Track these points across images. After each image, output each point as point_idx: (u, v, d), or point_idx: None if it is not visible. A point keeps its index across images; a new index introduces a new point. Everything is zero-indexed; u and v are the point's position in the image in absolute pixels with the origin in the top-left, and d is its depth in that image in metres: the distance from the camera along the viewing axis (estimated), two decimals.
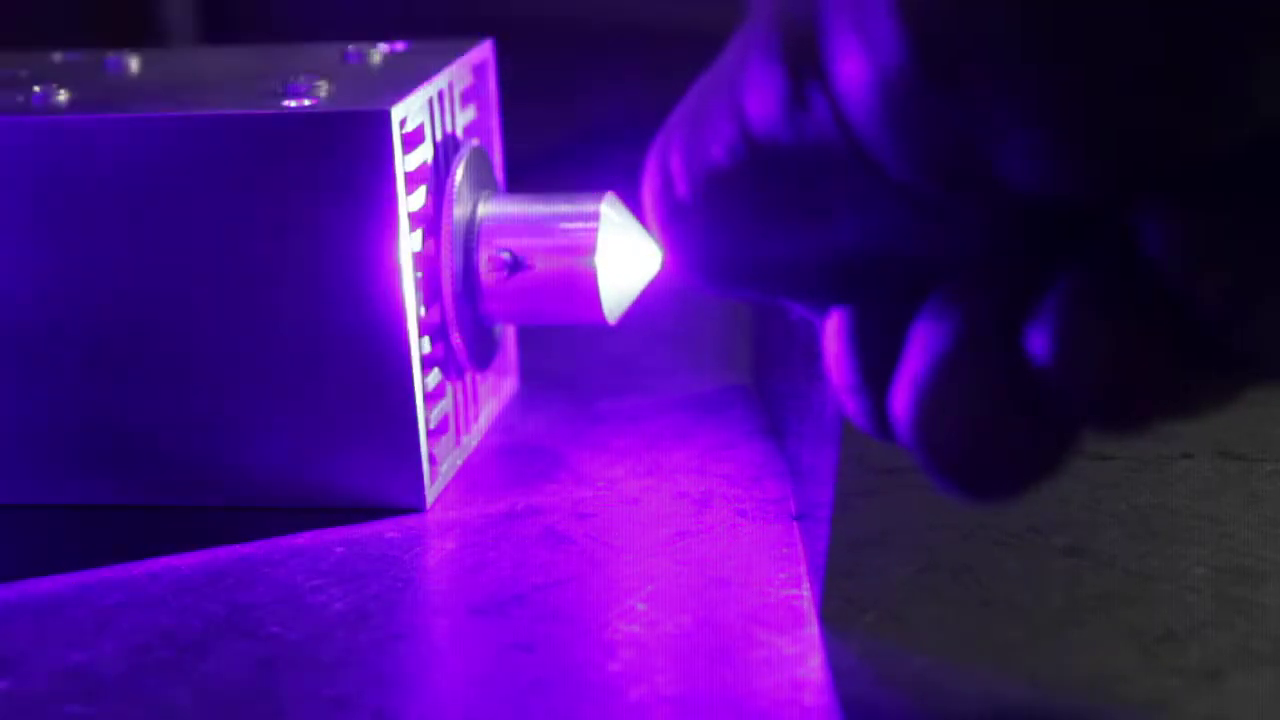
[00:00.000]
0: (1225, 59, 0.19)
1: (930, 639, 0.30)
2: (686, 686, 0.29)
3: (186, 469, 0.36)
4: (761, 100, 0.23)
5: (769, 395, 0.41)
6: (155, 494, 0.36)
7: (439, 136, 0.37)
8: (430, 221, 0.36)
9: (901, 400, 0.24)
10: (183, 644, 0.31)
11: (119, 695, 0.29)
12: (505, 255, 0.36)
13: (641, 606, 0.32)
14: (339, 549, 0.34)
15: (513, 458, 0.39)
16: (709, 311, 0.40)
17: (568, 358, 0.44)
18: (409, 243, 0.34)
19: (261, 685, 0.29)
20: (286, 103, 0.34)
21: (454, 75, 0.38)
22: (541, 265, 0.36)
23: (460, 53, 0.39)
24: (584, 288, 0.36)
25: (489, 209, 0.37)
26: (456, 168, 0.37)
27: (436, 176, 0.36)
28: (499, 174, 0.40)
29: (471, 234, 0.37)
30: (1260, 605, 0.30)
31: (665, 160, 0.25)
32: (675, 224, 0.26)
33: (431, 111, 0.36)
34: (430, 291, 0.36)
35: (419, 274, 0.35)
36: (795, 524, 0.35)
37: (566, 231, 0.36)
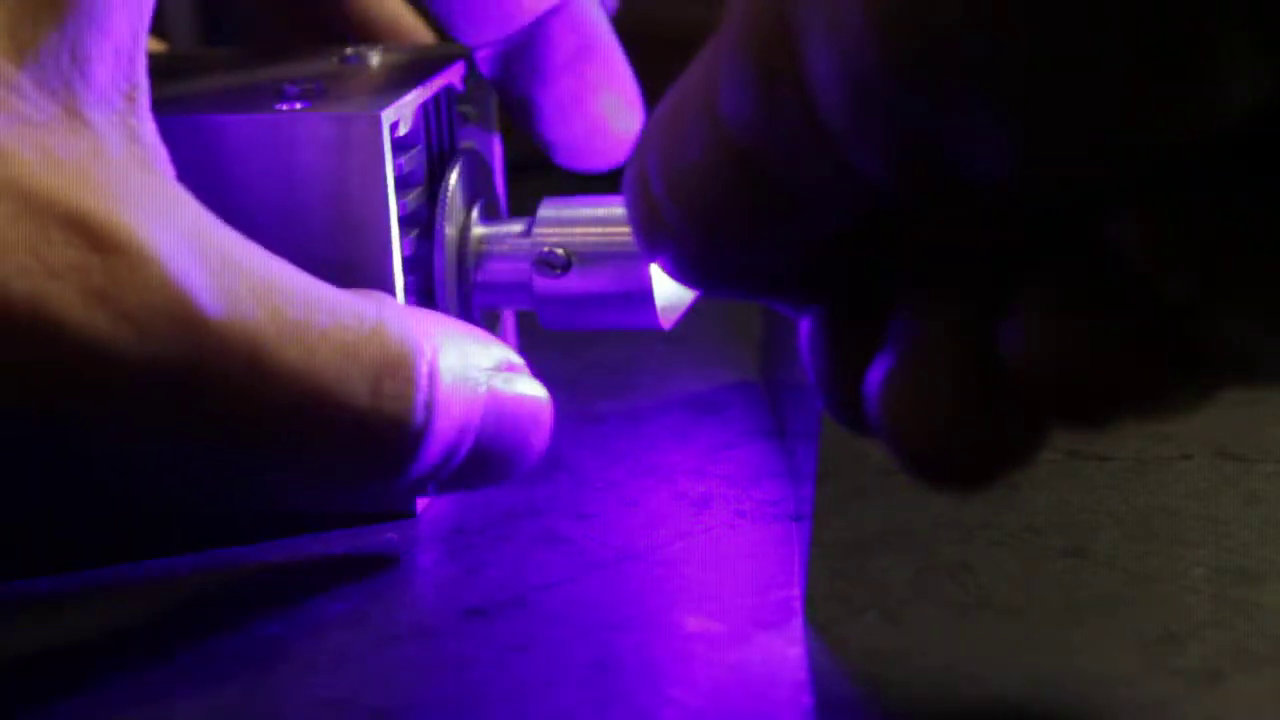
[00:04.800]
0: (1191, 48, 0.19)
1: (929, 640, 0.30)
2: (686, 688, 0.29)
3: None
4: (734, 98, 0.23)
5: (774, 393, 0.41)
6: (151, 497, 0.36)
7: (434, 141, 0.36)
8: (424, 225, 0.36)
9: (874, 391, 0.25)
10: (183, 644, 0.31)
11: (119, 695, 0.29)
12: (560, 252, 0.36)
13: (641, 608, 0.32)
14: (339, 549, 0.34)
15: None
16: (709, 311, 0.40)
17: (567, 358, 0.44)
18: (400, 246, 0.34)
19: (261, 685, 0.29)
20: (281, 106, 0.34)
21: (451, 79, 0.38)
22: (596, 268, 0.36)
23: (459, 57, 0.39)
24: (639, 291, 0.36)
25: (546, 211, 0.37)
26: (451, 172, 0.37)
27: (431, 181, 0.36)
28: (498, 179, 0.40)
29: (467, 237, 0.37)
30: (1260, 605, 0.30)
31: (643, 161, 0.26)
32: (652, 224, 0.26)
33: (426, 116, 0.36)
34: (424, 295, 0.36)
35: (411, 277, 0.35)
36: (794, 525, 0.35)
37: (621, 234, 0.36)
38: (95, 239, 0.27)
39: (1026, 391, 0.24)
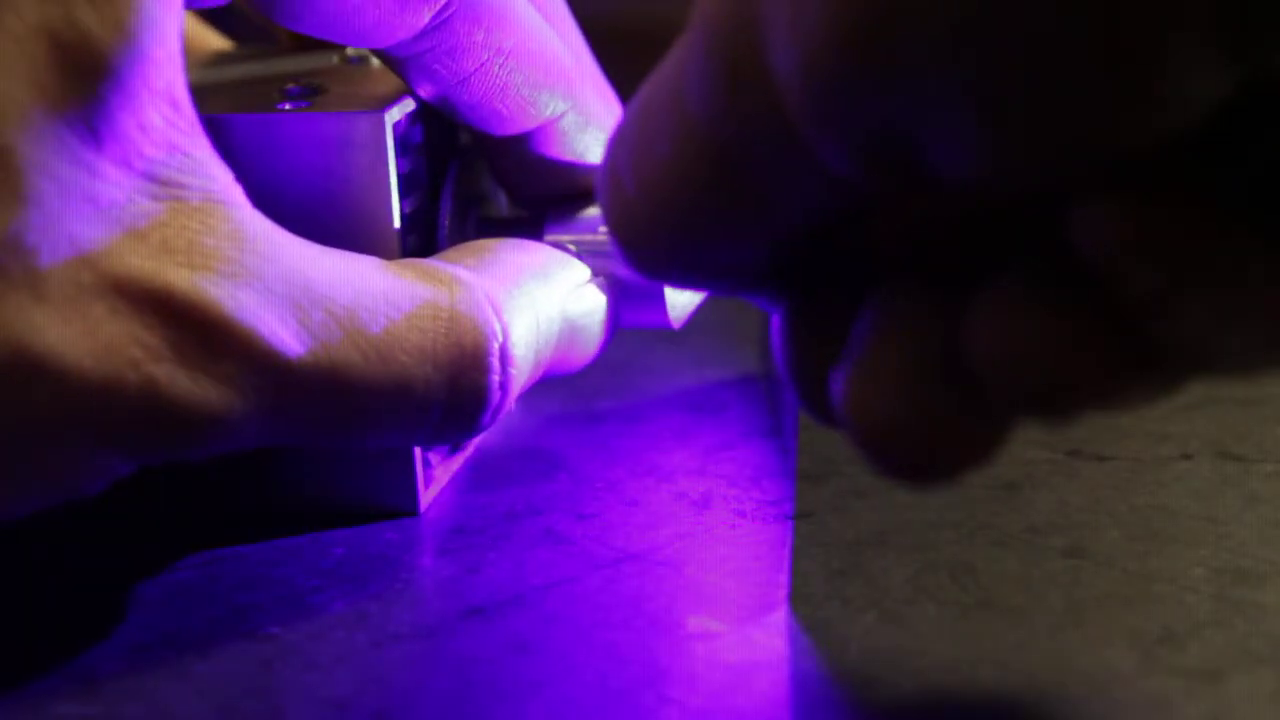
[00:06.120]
0: (1150, 53, 0.19)
1: (929, 640, 0.30)
2: (686, 688, 0.29)
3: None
4: (702, 96, 0.24)
5: (773, 391, 0.41)
6: (151, 498, 0.36)
7: (435, 140, 0.36)
8: (427, 225, 0.36)
9: (838, 384, 0.25)
10: (183, 644, 0.31)
11: (119, 695, 0.29)
12: (572, 248, 0.36)
13: (641, 608, 0.32)
14: (339, 549, 0.34)
15: (512, 458, 0.39)
16: (709, 310, 0.40)
17: None
18: (403, 246, 0.34)
19: (261, 685, 0.29)
20: (284, 105, 0.34)
21: None
22: (608, 267, 0.36)
23: None
24: (650, 290, 0.36)
25: (557, 210, 0.37)
26: (453, 171, 0.37)
27: (433, 180, 0.36)
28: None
29: (469, 237, 0.37)
30: (1260, 605, 0.30)
31: (615, 157, 0.26)
32: (625, 221, 0.26)
33: (428, 115, 0.36)
34: None
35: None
36: (793, 524, 0.35)
37: None
38: (187, 317, 0.29)
39: (989, 386, 0.24)
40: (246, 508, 0.36)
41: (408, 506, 0.36)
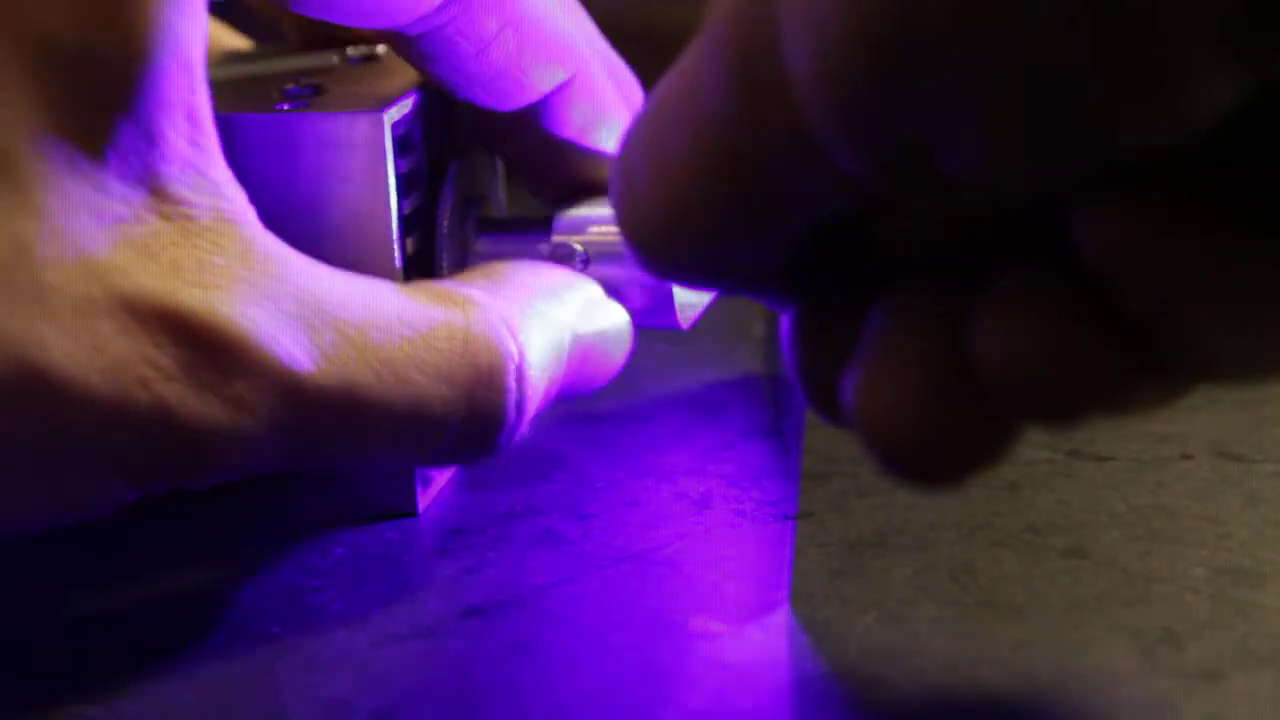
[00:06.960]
0: (1152, 49, 0.19)
1: (929, 639, 0.30)
2: (686, 689, 0.29)
3: None
4: (717, 98, 0.24)
5: (776, 391, 0.41)
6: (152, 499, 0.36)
7: (435, 140, 0.36)
8: (426, 225, 0.36)
9: (849, 386, 0.25)
10: (183, 643, 0.31)
11: (120, 695, 0.29)
12: (579, 248, 0.36)
13: (641, 608, 0.32)
14: (339, 549, 0.34)
15: (512, 458, 0.39)
16: (709, 310, 0.40)
17: None
18: (402, 246, 0.34)
19: (261, 685, 0.29)
20: (283, 105, 0.34)
21: None
22: (616, 268, 0.36)
23: None
24: (659, 290, 0.36)
25: (564, 210, 0.37)
26: (452, 171, 0.37)
27: (432, 180, 0.36)
28: (498, 178, 0.40)
29: (470, 237, 0.37)
30: (1260, 606, 0.30)
31: (628, 158, 0.26)
32: (637, 220, 0.26)
33: (428, 115, 0.36)
34: None
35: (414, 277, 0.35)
36: (793, 524, 0.35)
37: None
38: (199, 336, 0.28)
39: (996, 390, 0.24)
40: (247, 508, 0.36)
41: (406, 507, 0.36)
